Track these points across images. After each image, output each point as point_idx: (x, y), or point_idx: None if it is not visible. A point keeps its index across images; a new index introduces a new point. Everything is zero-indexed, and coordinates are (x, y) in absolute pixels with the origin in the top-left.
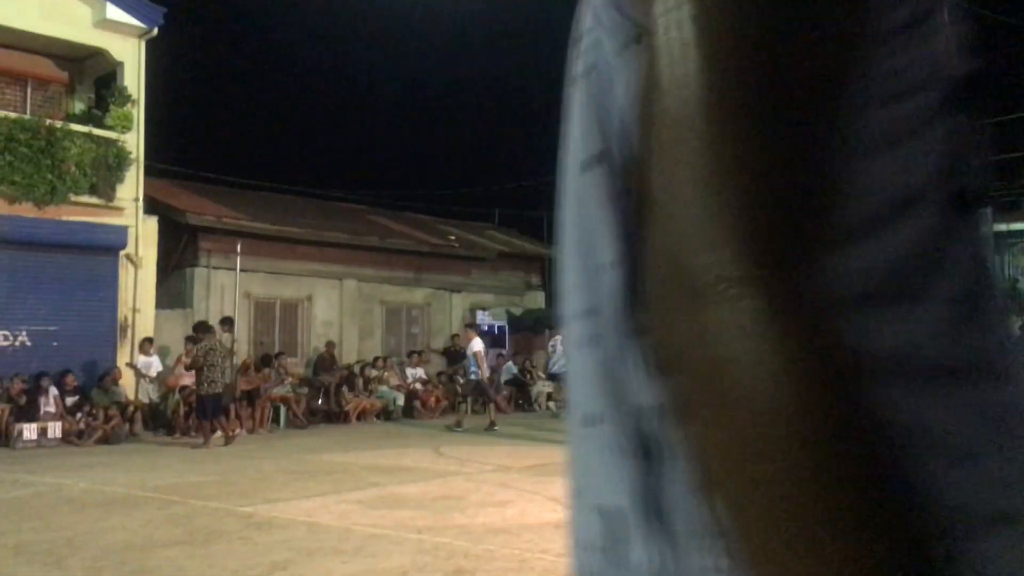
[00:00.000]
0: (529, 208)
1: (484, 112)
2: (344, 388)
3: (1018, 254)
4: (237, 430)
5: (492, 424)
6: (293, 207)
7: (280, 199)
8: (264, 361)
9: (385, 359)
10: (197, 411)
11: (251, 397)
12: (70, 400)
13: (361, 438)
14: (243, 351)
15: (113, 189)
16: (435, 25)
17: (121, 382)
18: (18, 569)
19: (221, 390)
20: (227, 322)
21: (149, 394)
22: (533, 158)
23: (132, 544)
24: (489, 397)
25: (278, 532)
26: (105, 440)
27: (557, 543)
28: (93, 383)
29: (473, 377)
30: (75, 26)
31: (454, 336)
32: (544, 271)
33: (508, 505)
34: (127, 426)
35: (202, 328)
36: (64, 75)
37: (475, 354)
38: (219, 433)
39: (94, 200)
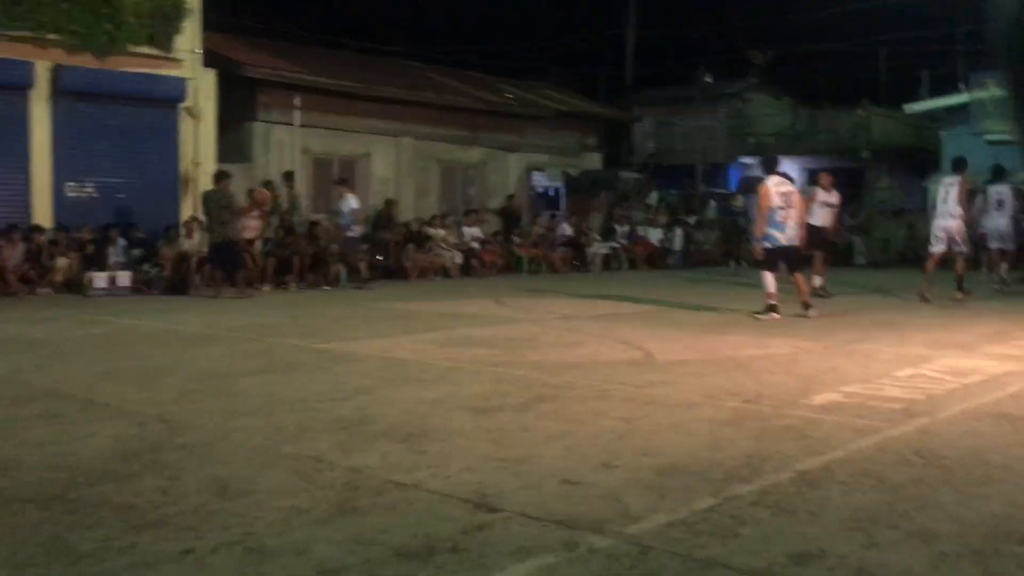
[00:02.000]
0: (586, 68)
1: None
2: (411, 245)
3: None
4: (264, 286)
5: (363, 284)
6: (350, 63)
7: (337, 55)
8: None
9: (443, 217)
10: (208, 260)
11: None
12: (137, 251)
13: (423, 291)
14: (304, 207)
15: (171, 40)
16: None
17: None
18: (113, 389)
19: (220, 240)
20: (289, 176)
21: None
22: (591, 16)
23: (216, 372)
24: (357, 258)
25: (356, 364)
26: (173, 289)
27: (633, 376)
28: (159, 234)
29: (351, 235)
30: None
31: (510, 196)
32: (600, 132)
33: (579, 346)
34: (196, 277)
35: (219, 176)
36: None
37: (350, 211)
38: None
39: (152, 51)
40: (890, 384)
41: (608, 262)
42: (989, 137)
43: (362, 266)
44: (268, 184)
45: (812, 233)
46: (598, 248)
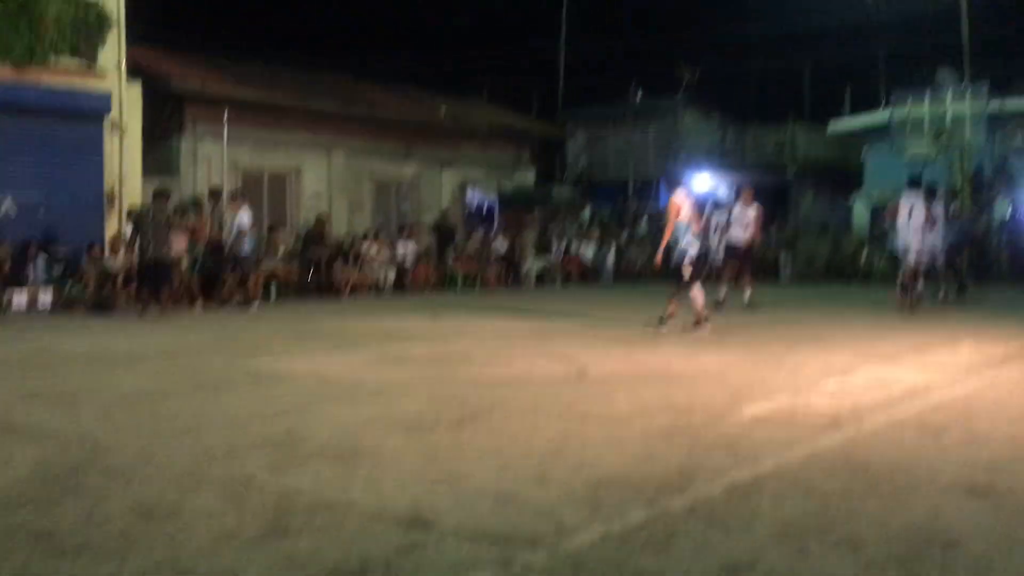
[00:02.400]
0: (520, 83)
1: None
2: (339, 261)
3: (1009, 134)
4: (196, 305)
5: (249, 301)
6: (281, 76)
7: (268, 68)
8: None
9: (376, 233)
10: (137, 278)
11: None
12: (58, 269)
13: (356, 308)
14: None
15: (95, 52)
16: None
17: (109, 251)
18: (33, 412)
19: (153, 257)
20: (215, 193)
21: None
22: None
23: (142, 392)
24: (246, 272)
25: (287, 383)
26: (96, 308)
27: (567, 392)
28: (82, 252)
29: (243, 252)
30: None
31: (444, 212)
32: (534, 148)
33: (514, 361)
34: (123, 295)
35: (158, 195)
36: None
37: (242, 227)
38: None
39: (75, 64)
40: (817, 395)
41: (542, 278)
42: (909, 155)
43: (251, 285)
44: (196, 204)
45: (733, 247)
46: (532, 264)
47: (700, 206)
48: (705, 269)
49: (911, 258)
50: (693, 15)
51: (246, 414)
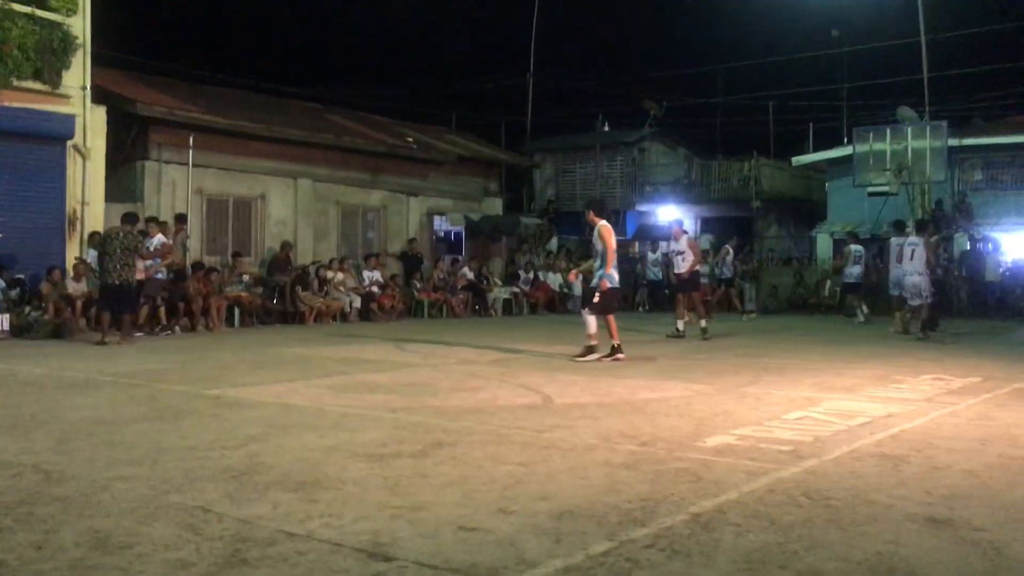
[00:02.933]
0: (489, 114)
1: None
2: (298, 288)
3: (968, 169)
4: (138, 333)
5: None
6: (248, 102)
7: (234, 94)
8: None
9: (342, 260)
10: (98, 303)
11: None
12: (15, 293)
13: (319, 336)
14: (195, 248)
15: (59, 75)
16: None
17: (70, 276)
18: None
19: (117, 282)
20: (180, 218)
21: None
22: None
23: (99, 420)
24: (154, 301)
25: (249, 411)
26: (55, 334)
27: (532, 421)
28: (41, 276)
29: (155, 275)
30: None
31: (411, 240)
32: (502, 178)
33: (479, 390)
34: (82, 320)
35: (125, 219)
36: None
37: (154, 250)
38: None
39: (39, 86)
40: (780, 426)
41: (509, 307)
42: (871, 189)
43: (161, 311)
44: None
45: (677, 279)
46: (499, 293)
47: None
48: (615, 301)
49: (908, 295)
50: (660, 51)
51: (206, 442)
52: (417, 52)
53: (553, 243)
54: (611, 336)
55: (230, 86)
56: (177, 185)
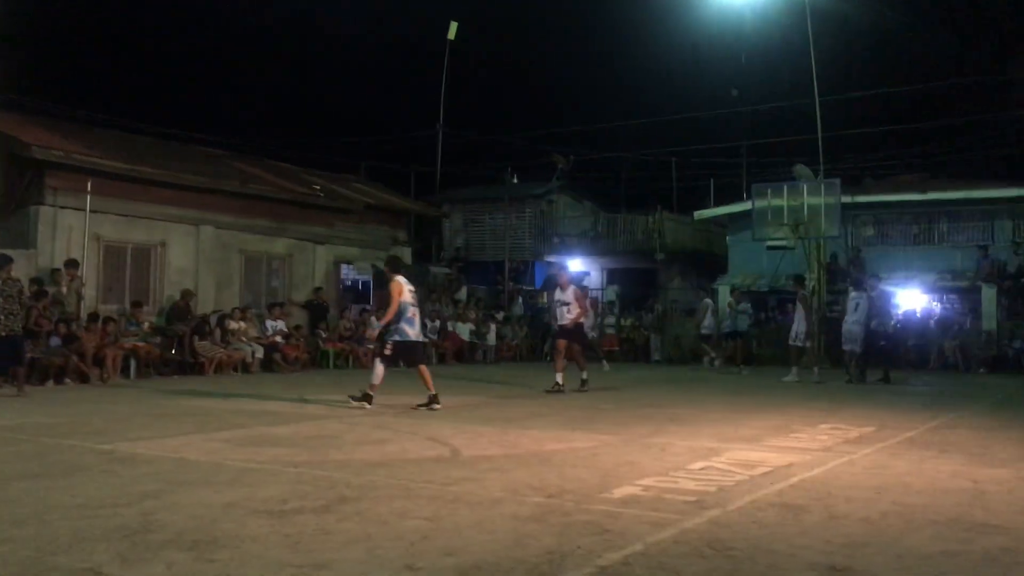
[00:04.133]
0: (398, 163)
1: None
2: (195, 337)
3: (860, 225)
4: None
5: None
6: (149, 148)
7: (135, 139)
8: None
9: (245, 309)
10: None
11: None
12: None
13: (219, 387)
14: (91, 297)
15: None
16: None
17: None
18: None
19: (3, 333)
20: (72, 264)
21: None
22: (403, 113)
23: None
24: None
25: (144, 466)
26: None
27: (439, 474)
28: None
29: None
30: None
31: (317, 289)
32: (411, 227)
33: (386, 443)
34: None
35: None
36: None
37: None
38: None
39: None
40: (684, 477)
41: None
42: (769, 243)
43: (110, 361)
44: (56, 271)
45: (561, 329)
46: None
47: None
48: (417, 354)
49: (852, 347)
50: (568, 106)
51: (96, 500)
52: (327, 101)
53: (462, 293)
54: (427, 387)
55: (132, 131)
56: (74, 231)
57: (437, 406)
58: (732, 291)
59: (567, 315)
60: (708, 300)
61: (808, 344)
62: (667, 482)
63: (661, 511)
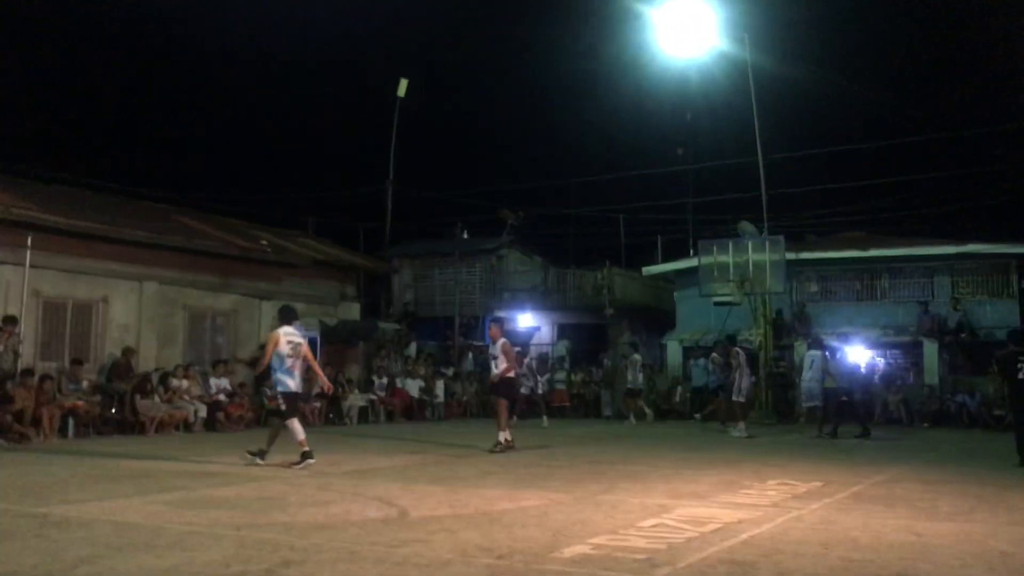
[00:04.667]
0: (346, 218)
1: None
2: (137, 395)
3: (804, 281)
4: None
5: None
6: (90, 202)
7: (76, 193)
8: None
9: (187, 367)
10: None
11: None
12: None
13: (160, 448)
14: (29, 354)
15: None
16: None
17: None
18: None
19: None
20: (10, 321)
21: None
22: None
23: None
24: None
25: (79, 531)
26: None
27: (386, 535)
28: None
29: None
30: None
31: (263, 346)
32: (359, 282)
33: (331, 504)
34: None
35: None
36: None
37: None
38: None
39: None
40: (635, 534)
41: (365, 414)
42: (716, 299)
43: (92, 419)
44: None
45: (491, 383)
46: (355, 400)
47: (300, 345)
48: (298, 403)
49: (813, 403)
50: (517, 163)
51: (27, 567)
52: (274, 156)
53: (411, 348)
54: (299, 443)
55: (72, 184)
56: (11, 287)
57: (311, 460)
58: (715, 345)
59: (495, 369)
60: (637, 356)
61: (742, 399)
62: (618, 540)
63: (611, 570)
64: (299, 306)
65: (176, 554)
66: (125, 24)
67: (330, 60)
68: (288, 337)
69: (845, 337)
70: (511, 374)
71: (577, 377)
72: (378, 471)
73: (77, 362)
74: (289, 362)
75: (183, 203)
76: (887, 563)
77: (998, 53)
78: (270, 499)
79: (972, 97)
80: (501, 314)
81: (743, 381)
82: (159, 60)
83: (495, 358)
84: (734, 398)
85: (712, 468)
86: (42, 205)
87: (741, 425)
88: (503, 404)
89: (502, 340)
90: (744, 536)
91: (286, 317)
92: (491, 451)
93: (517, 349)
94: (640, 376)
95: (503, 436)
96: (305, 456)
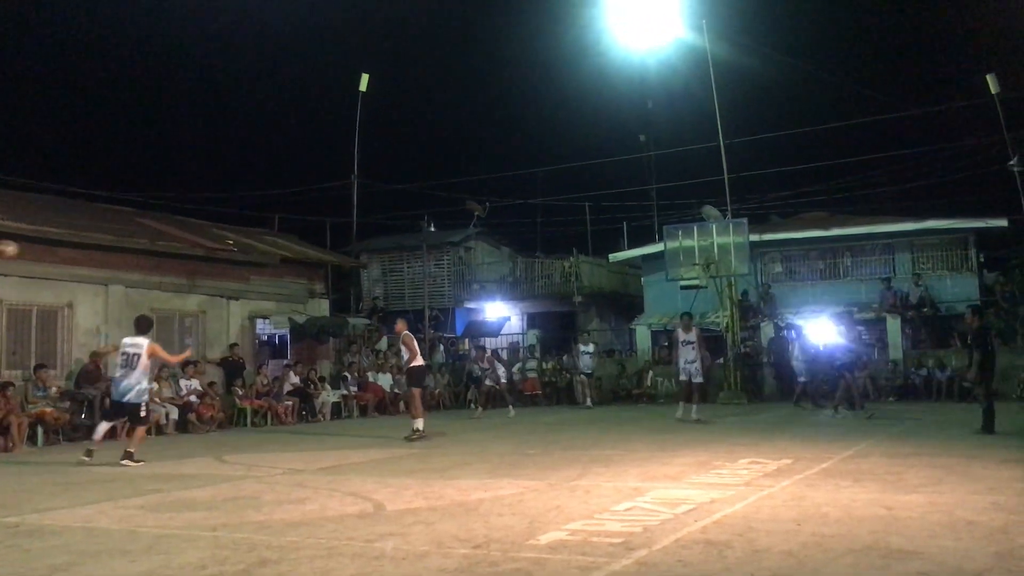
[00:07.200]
0: (313, 215)
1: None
2: (106, 400)
3: (769, 262)
4: None
5: None
6: (51, 206)
7: (38, 198)
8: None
9: (159, 370)
10: None
11: None
12: None
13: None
14: None
15: None
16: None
17: None
18: None
19: None
20: None
21: None
22: (317, 164)
23: None
24: None
25: (52, 538)
26: None
27: (362, 530)
28: None
29: None
30: None
31: (232, 345)
32: (327, 278)
33: (306, 502)
34: None
35: None
36: None
37: None
38: None
39: None
40: (610, 519)
41: (338, 410)
42: (682, 283)
43: (61, 425)
44: None
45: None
46: (327, 396)
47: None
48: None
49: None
50: (482, 154)
51: None
52: (237, 154)
53: (382, 343)
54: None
55: (31, 189)
56: None
57: (141, 462)
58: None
59: (403, 361)
60: (581, 344)
61: (700, 380)
62: (594, 525)
63: (588, 555)
64: (268, 304)
65: (151, 558)
66: (79, 25)
67: (290, 57)
68: (125, 349)
69: (808, 315)
70: (418, 362)
71: (548, 365)
72: (353, 466)
73: (42, 367)
74: (120, 372)
75: (146, 205)
76: (858, 537)
77: (953, 32)
78: (245, 499)
79: (928, 76)
80: (471, 305)
81: (679, 361)
82: (116, 61)
83: (399, 352)
84: (693, 380)
85: (684, 450)
86: (3, 211)
87: (683, 406)
88: (415, 393)
89: (405, 333)
90: (718, 516)
91: (142, 327)
92: (408, 439)
93: (481, 344)
94: (592, 363)
95: (418, 424)
96: (130, 456)
